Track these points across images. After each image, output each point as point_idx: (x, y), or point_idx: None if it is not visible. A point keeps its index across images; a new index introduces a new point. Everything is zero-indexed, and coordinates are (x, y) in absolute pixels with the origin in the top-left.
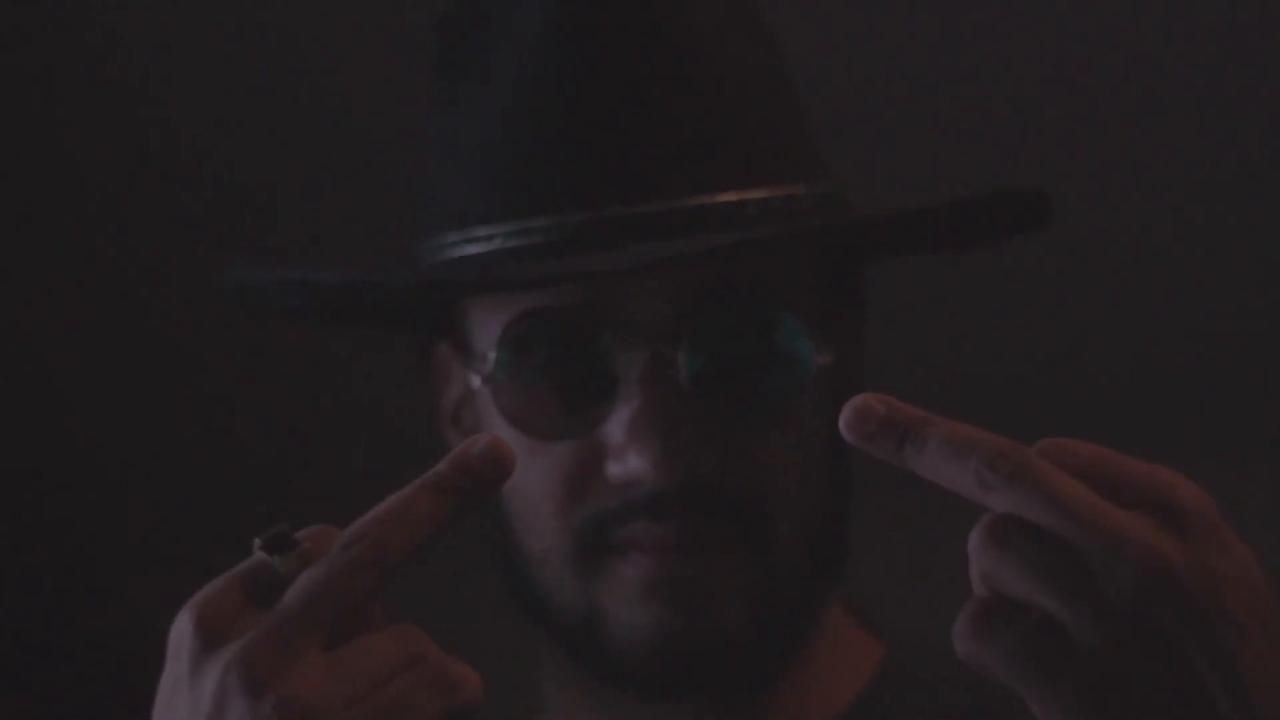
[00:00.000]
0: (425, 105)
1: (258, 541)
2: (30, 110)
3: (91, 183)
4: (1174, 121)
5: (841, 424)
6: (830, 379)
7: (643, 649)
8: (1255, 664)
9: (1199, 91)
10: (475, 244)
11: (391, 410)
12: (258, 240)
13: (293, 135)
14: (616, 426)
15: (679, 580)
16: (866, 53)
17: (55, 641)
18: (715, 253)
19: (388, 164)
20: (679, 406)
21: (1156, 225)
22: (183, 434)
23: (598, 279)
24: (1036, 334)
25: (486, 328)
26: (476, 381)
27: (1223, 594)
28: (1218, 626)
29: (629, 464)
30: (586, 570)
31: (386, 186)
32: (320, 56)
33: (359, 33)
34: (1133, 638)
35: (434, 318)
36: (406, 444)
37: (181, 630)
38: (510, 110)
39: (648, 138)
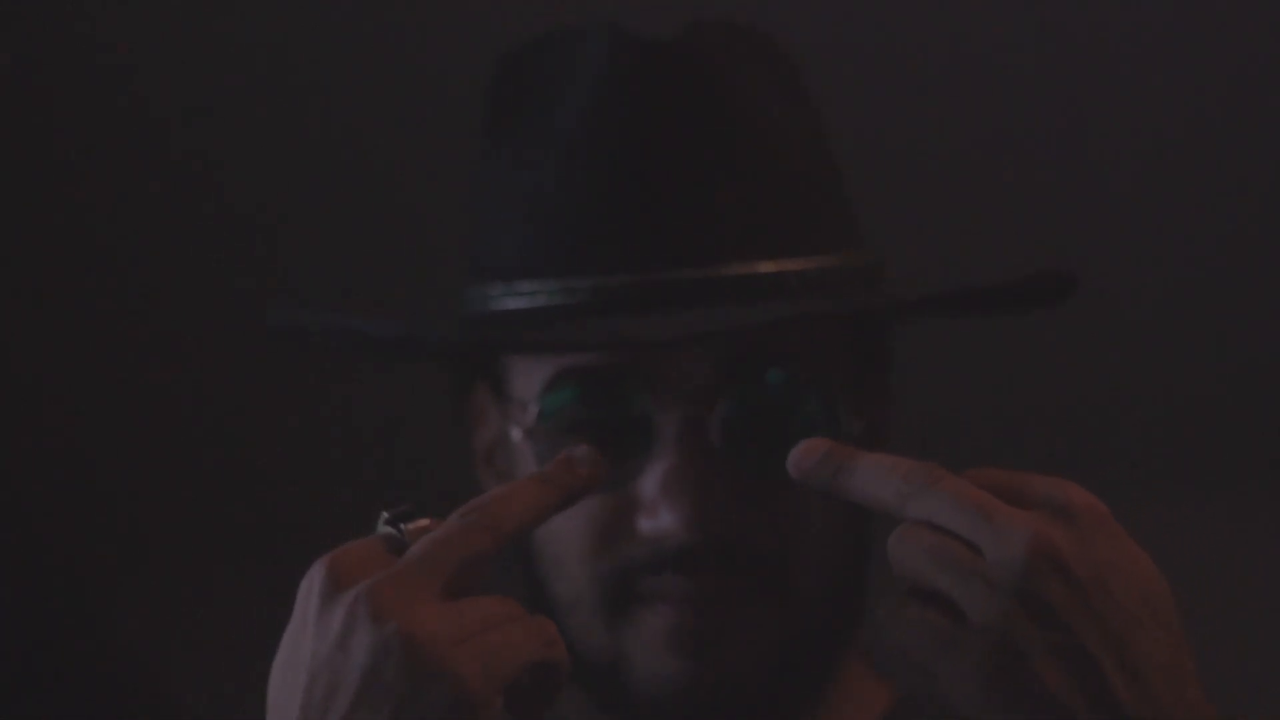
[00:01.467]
0: (469, 152)
1: (385, 515)
2: (54, 121)
3: (117, 205)
4: (1183, 163)
5: (789, 462)
6: (858, 443)
7: (666, 698)
8: (1150, 650)
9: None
10: (519, 298)
11: (387, 426)
12: (286, 268)
13: (325, 164)
14: (650, 482)
15: (703, 632)
16: (886, 108)
17: (47, 650)
18: (750, 329)
19: (428, 205)
20: (711, 466)
21: (1173, 279)
22: (178, 442)
23: (644, 348)
24: (1053, 389)
25: (528, 379)
26: (518, 434)
27: (1112, 581)
28: (1108, 611)
29: (660, 519)
30: (613, 618)
31: (425, 226)
32: (363, 95)
33: (403, 72)
34: (1023, 614)
35: (473, 363)
36: (401, 459)
37: (313, 576)
38: (559, 170)
39: (692, 205)
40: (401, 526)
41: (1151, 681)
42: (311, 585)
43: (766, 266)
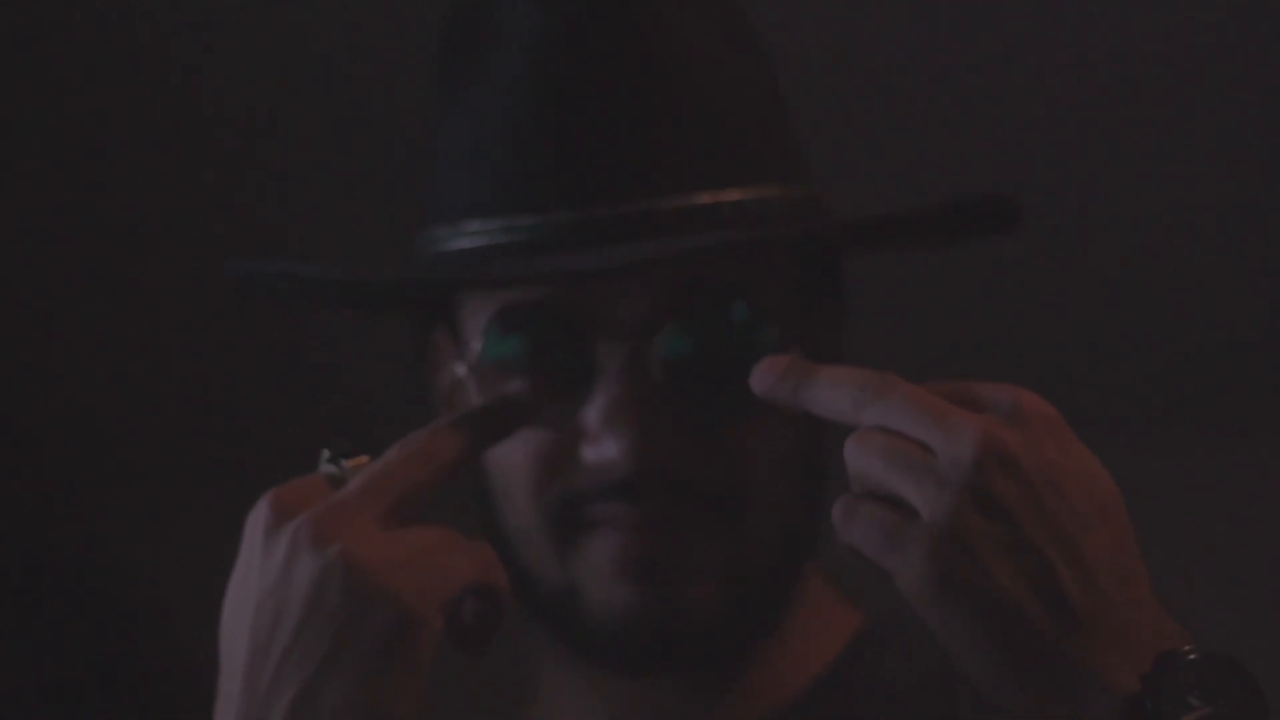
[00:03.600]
0: (429, 100)
1: (326, 453)
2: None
3: (94, 161)
4: (1156, 116)
5: (751, 379)
6: None
7: (617, 626)
8: (1098, 547)
9: (1194, 90)
10: (466, 238)
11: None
12: (259, 219)
13: (299, 120)
14: (593, 413)
15: (650, 559)
16: (850, 47)
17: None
18: (684, 257)
19: (392, 151)
20: (653, 397)
21: (1143, 218)
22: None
23: (577, 280)
24: (1022, 325)
25: (476, 318)
26: (463, 371)
27: (1061, 480)
28: (1057, 508)
29: (604, 449)
30: (563, 547)
31: (391, 172)
32: (330, 48)
33: (369, 27)
34: (973, 509)
35: (430, 305)
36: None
37: (258, 512)
38: (502, 111)
39: (629, 141)
40: (342, 463)
41: (1099, 577)
42: (256, 520)
43: (702, 199)
